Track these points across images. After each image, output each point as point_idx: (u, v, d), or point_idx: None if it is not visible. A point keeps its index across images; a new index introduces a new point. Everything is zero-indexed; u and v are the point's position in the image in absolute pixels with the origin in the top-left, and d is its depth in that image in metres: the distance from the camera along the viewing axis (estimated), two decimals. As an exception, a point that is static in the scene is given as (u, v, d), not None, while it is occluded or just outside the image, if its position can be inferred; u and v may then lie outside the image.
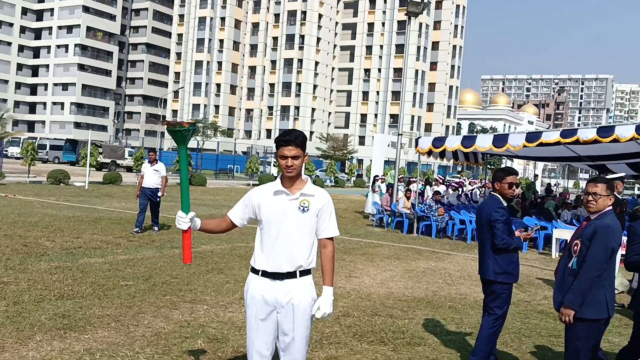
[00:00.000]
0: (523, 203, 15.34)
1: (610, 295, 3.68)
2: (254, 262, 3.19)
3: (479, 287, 7.65)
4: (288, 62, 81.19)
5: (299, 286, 3.10)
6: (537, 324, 6.30)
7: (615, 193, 7.31)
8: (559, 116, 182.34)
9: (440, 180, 20.66)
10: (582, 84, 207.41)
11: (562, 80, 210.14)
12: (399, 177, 17.35)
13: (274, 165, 47.10)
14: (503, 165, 77.63)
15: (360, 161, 74.32)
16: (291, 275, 3.09)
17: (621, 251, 8.11)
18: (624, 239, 9.81)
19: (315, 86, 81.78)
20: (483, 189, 22.00)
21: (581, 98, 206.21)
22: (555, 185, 48.11)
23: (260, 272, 3.15)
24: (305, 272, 3.12)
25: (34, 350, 4.50)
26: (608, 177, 9.10)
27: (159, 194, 11.49)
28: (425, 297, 7.24)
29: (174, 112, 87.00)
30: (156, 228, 11.52)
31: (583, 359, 3.69)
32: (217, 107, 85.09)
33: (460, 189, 20.65)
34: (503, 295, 4.53)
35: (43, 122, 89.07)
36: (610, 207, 3.78)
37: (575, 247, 3.76)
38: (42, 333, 4.91)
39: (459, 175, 48.11)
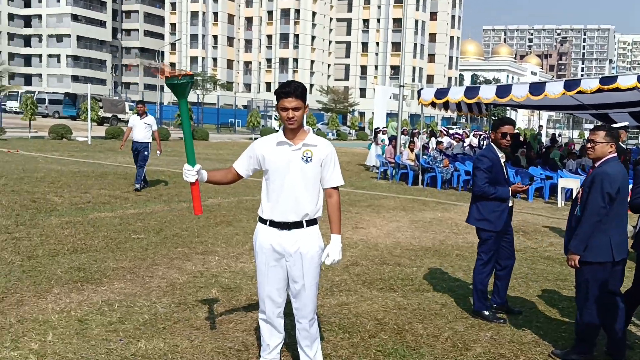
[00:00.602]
0: (528, 153, 15.34)
1: (616, 239, 3.76)
2: (262, 212, 3.25)
3: (485, 236, 7.78)
4: (285, 13, 79.40)
5: (306, 235, 3.17)
6: (543, 269, 6.43)
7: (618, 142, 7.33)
8: (562, 67, 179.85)
9: (445, 132, 20.60)
10: (584, 34, 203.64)
11: (564, 30, 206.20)
12: (402, 129, 17.29)
13: (275, 119, 46.83)
14: (507, 116, 76.95)
15: (362, 114, 73.75)
16: (298, 225, 3.16)
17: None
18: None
19: (313, 37, 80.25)
20: (487, 140, 21.98)
21: (583, 49, 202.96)
22: (559, 135, 47.95)
23: (268, 222, 3.22)
24: (311, 222, 3.19)
25: (52, 302, 4.60)
26: (612, 126, 9.10)
27: (158, 152, 11.22)
28: (433, 246, 7.35)
29: (172, 65, 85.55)
30: (138, 186, 10.69)
31: (591, 300, 3.80)
32: (215, 59, 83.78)
33: (463, 141, 20.61)
34: (488, 242, 4.64)
35: (40, 76, 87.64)
36: (614, 155, 3.83)
37: (579, 195, 3.89)
38: (59, 286, 5.01)
39: (453, 127, 47.85)
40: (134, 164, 11.53)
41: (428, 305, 4.99)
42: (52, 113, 46.65)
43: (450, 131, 25.43)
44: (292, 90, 3.06)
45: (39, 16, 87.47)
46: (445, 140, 19.00)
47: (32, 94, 30.62)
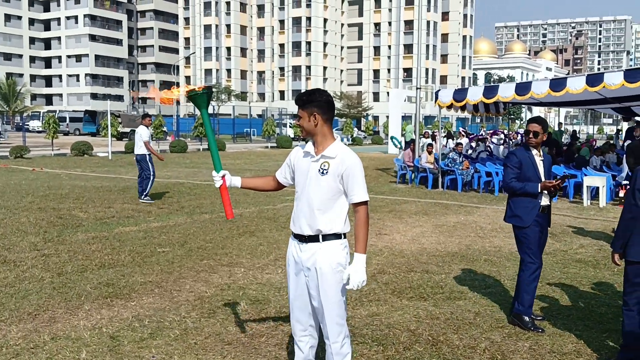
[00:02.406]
0: (550, 151, 15.10)
1: None
2: (291, 222, 3.20)
3: (512, 239, 7.61)
4: (296, 21, 79.89)
5: (322, 250, 3.02)
6: (576, 272, 6.26)
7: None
8: (578, 61, 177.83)
9: (464, 133, 20.44)
10: (600, 26, 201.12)
11: (579, 23, 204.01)
12: (424, 131, 17.18)
13: (290, 127, 46.96)
14: (522, 115, 75.25)
15: (375, 118, 73.76)
16: (314, 239, 3.03)
17: None
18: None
19: (325, 44, 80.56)
20: (507, 139, 21.75)
21: (600, 41, 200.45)
22: (578, 132, 47.39)
23: (292, 234, 3.16)
24: (328, 237, 3.02)
25: (84, 319, 4.61)
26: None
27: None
28: (459, 252, 7.23)
29: (187, 78, 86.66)
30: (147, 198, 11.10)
31: (632, 303, 3.69)
32: (229, 71, 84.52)
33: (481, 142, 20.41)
34: (522, 240, 4.60)
35: (60, 95, 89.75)
36: None
37: None
38: (89, 302, 5.03)
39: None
40: (156, 178, 11.58)
41: (461, 314, 4.88)
42: (73, 131, 47.70)
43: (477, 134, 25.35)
44: (297, 99, 3.06)
45: (59, 38, 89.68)
46: (464, 141, 18.85)
47: (54, 113, 31.19)
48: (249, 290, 5.45)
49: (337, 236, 3.03)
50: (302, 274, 3.10)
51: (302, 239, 3.06)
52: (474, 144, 18.98)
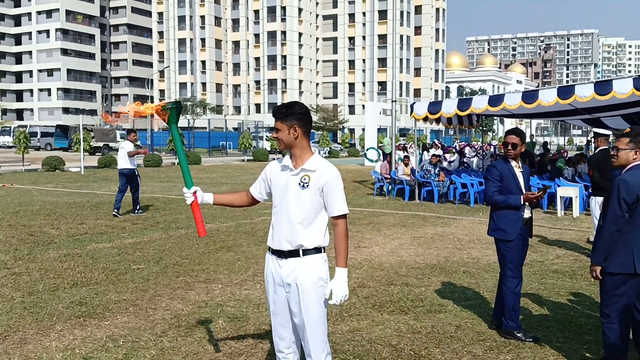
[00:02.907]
0: (523, 162, 15.36)
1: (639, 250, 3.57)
2: (268, 238, 3.13)
3: (489, 250, 7.70)
4: (271, 35, 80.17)
5: (303, 265, 2.96)
6: (554, 283, 6.29)
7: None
8: (547, 74, 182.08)
9: (439, 145, 20.65)
10: (568, 40, 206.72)
11: (548, 37, 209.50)
12: (397, 144, 17.31)
13: (266, 140, 46.88)
14: (494, 127, 75.81)
15: (351, 130, 74.20)
16: (294, 254, 2.97)
17: None
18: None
19: (300, 58, 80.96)
20: (481, 151, 22.02)
21: (568, 54, 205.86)
22: (549, 143, 48.38)
23: (270, 249, 3.09)
24: (309, 252, 2.97)
25: (56, 340, 4.47)
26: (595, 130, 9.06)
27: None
28: (438, 264, 7.24)
29: (161, 92, 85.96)
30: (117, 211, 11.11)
31: (613, 315, 3.66)
32: (204, 84, 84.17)
33: (458, 155, 20.63)
34: (503, 253, 4.55)
35: (31, 110, 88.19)
36: (639, 162, 3.70)
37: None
38: (61, 322, 4.88)
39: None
40: (128, 192, 11.38)
41: (442, 327, 4.84)
42: (44, 145, 46.81)
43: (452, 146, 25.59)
44: (275, 111, 3.01)
45: (30, 52, 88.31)
46: (439, 153, 19.01)
47: (25, 128, 30.56)
48: (227, 307, 5.35)
49: (317, 250, 2.99)
50: (282, 290, 3.03)
51: (281, 254, 2.99)
52: (448, 156, 19.17)
